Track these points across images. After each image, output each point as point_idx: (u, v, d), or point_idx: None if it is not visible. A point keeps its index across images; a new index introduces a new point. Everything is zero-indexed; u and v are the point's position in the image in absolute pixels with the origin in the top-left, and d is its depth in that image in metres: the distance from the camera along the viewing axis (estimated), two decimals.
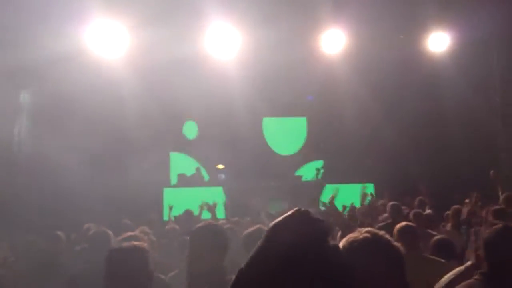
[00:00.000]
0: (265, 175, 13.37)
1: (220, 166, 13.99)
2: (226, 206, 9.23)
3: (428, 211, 6.88)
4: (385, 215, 6.80)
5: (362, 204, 7.80)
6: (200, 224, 2.88)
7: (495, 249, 2.52)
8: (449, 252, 3.93)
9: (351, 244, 1.65)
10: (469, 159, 11.34)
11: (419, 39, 10.43)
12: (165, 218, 10.55)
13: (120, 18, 8.75)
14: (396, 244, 1.71)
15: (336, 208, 6.24)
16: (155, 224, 7.53)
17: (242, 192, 12.09)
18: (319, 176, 13.68)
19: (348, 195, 10.42)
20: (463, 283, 2.53)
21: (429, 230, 5.49)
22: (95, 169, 10.84)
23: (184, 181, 13.61)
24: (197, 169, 13.80)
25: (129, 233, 3.90)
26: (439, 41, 10.38)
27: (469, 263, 2.85)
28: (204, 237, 2.72)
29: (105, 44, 9.08)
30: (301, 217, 1.33)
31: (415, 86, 11.57)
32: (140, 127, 11.75)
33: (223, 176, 13.70)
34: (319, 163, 14.19)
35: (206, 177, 13.92)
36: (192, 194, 12.15)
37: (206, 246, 2.66)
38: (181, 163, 14.02)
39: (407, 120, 12.29)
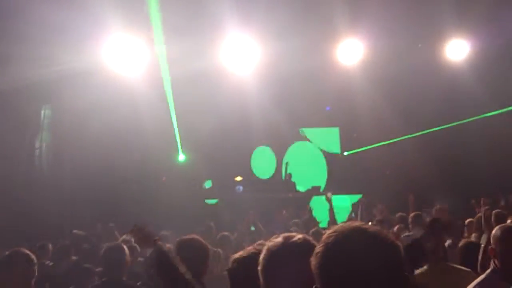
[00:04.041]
0: (283, 187, 13.34)
1: (238, 178, 13.98)
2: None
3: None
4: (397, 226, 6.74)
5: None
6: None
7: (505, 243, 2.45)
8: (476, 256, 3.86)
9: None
10: (489, 168, 11.12)
11: (437, 47, 10.29)
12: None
13: (139, 33, 8.87)
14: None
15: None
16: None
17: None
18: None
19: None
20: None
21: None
22: (114, 182, 10.95)
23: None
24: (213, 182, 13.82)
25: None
26: (458, 49, 10.20)
27: (488, 270, 2.77)
28: None
29: (124, 59, 9.19)
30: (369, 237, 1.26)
31: (434, 95, 11.42)
32: (159, 141, 11.85)
33: (241, 188, 13.67)
34: None
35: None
36: None
37: None
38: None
39: (425, 131, 12.15)
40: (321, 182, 14.01)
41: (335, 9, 8.85)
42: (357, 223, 1.32)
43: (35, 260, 3.16)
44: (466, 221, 6.36)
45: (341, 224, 1.33)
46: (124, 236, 5.71)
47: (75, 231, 5.90)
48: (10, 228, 8.15)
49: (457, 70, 10.48)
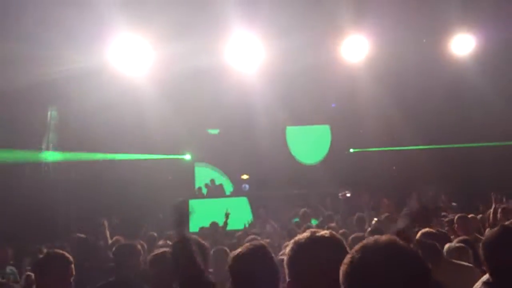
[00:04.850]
0: (289, 184, 13.35)
1: (245, 177, 14.00)
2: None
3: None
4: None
5: None
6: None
7: (493, 252, 2.43)
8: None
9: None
10: (494, 165, 11.04)
11: (442, 42, 10.19)
12: (191, 229, 10.61)
13: (143, 33, 8.88)
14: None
15: None
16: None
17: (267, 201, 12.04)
18: None
19: None
20: None
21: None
22: (118, 181, 11.01)
23: (209, 191, 13.70)
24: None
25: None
26: (463, 44, 10.07)
27: None
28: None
29: (129, 59, 9.21)
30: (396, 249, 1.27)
31: (439, 91, 11.34)
32: (164, 140, 11.90)
33: (247, 186, 13.70)
34: None
35: (228, 188, 13.96)
36: (217, 205, 12.18)
37: None
38: (205, 175, 14.12)
39: (431, 126, 12.08)
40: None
41: (339, 5, 8.81)
42: (389, 237, 1.33)
43: (71, 259, 3.16)
44: (469, 216, 6.36)
45: (375, 237, 1.34)
46: (117, 238, 5.74)
47: (78, 234, 5.93)
48: (18, 229, 8.22)
49: (462, 65, 10.37)
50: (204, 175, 14.24)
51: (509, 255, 2.37)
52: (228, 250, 4.74)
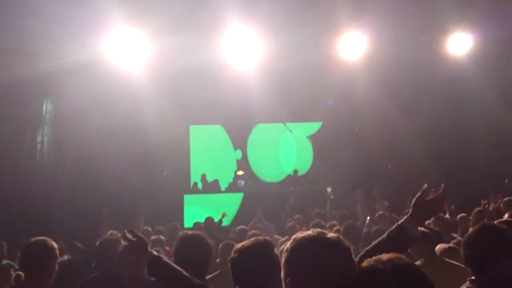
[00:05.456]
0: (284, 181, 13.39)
1: (240, 173, 13.98)
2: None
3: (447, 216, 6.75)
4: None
5: None
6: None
7: (472, 250, 2.45)
8: None
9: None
10: (491, 163, 11.05)
11: (439, 41, 10.20)
12: (185, 225, 10.62)
13: (140, 27, 8.84)
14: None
15: None
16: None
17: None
18: None
19: None
20: None
21: (454, 234, 5.43)
22: (115, 175, 10.98)
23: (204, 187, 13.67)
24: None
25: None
26: (460, 43, 10.08)
27: None
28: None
29: (125, 53, 9.17)
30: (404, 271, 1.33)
31: (436, 90, 11.35)
32: (159, 135, 11.88)
33: (242, 182, 13.69)
34: None
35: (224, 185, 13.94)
36: (212, 200, 12.20)
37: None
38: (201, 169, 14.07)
39: (427, 125, 12.09)
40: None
41: (336, 2, 8.78)
42: (393, 253, 1.38)
43: (55, 245, 3.13)
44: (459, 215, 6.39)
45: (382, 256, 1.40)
46: (112, 232, 5.70)
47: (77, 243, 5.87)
48: (11, 223, 8.19)
49: (459, 63, 10.38)
50: (198, 141, 14.17)
51: (488, 252, 2.39)
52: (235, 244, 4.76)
